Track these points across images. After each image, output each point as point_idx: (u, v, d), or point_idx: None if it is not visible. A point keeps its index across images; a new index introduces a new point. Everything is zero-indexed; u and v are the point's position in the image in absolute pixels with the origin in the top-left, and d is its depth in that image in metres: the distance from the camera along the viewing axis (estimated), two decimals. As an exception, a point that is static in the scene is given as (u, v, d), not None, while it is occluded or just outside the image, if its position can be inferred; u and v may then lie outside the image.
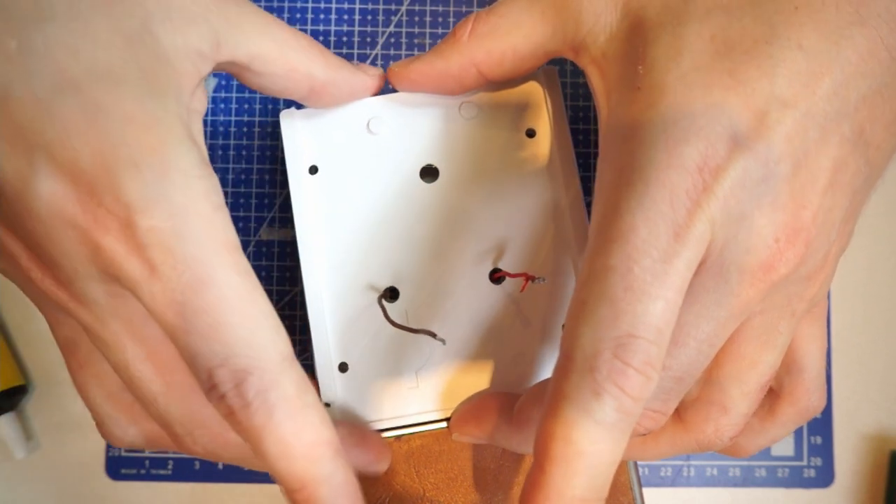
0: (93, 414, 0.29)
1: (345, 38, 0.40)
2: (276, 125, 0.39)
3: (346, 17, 0.40)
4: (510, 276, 0.31)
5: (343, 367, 0.31)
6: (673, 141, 0.23)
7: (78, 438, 0.39)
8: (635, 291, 0.22)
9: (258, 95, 0.40)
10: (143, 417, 0.28)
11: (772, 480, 0.40)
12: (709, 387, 0.26)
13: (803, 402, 0.29)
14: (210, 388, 0.23)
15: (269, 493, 0.39)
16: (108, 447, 0.39)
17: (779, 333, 0.26)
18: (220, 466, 0.39)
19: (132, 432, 0.29)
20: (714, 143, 0.23)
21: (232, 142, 0.39)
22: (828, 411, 0.40)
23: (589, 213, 0.31)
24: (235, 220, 0.39)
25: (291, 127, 0.32)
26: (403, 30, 0.40)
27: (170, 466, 0.39)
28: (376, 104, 0.32)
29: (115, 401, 0.28)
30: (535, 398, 0.28)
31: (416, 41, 0.40)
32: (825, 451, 0.40)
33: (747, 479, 0.40)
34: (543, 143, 0.32)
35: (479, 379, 0.31)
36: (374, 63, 0.40)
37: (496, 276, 0.32)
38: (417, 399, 0.31)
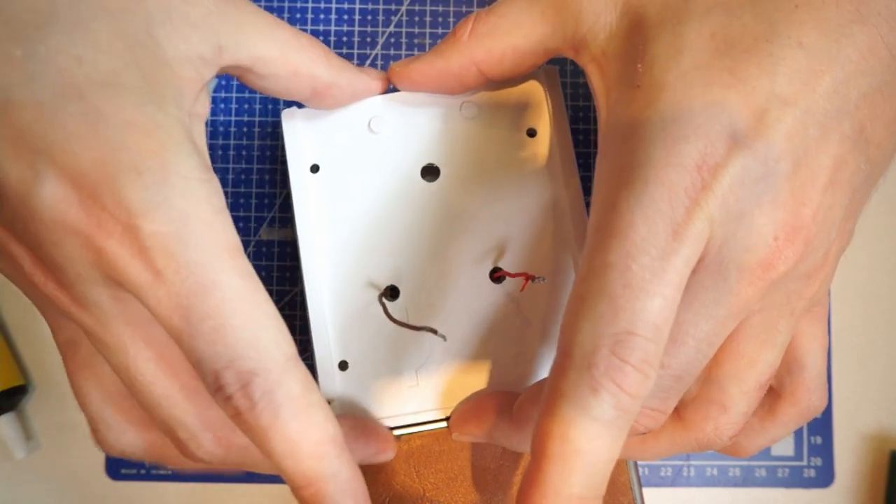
0: (88, 418, 0.28)
1: (345, 38, 0.40)
2: (276, 125, 0.39)
3: (346, 17, 0.40)
4: (510, 275, 0.31)
5: (343, 366, 0.31)
6: (672, 139, 0.23)
7: (78, 438, 0.39)
8: (633, 288, 0.22)
9: (258, 95, 0.40)
10: (142, 423, 0.28)
11: (772, 480, 0.40)
12: (708, 385, 0.26)
13: (804, 402, 0.29)
14: (216, 389, 0.23)
15: (269, 494, 0.39)
16: (108, 447, 0.39)
17: (778, 332, 0.26)
18: (220, 466, 0.39)
19: (127, 439, 0.28)
20: (713, 142, 0.23)
21: (232, 142, 0.40)
22: (828, 411, 0.40)
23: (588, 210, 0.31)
24: (235, 221, 0.39)
25: (293, 126, 0.32)
26: (403, 30, 0.40)
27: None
28: (377, 103, 0.32)
29: (115, 404, 0.28)
30: (535, 397, 0.28)
31: (416, 41, 0.40)
32: (825, 451, 0.40)
33: (747, 479, 0.40)
34: (544, 142, 0.32)
35: (479, 378, 0.31)
36: (374, 63, 0.40)
37: (496, 276, 0.32)
38: (417, 397, 0.31)
